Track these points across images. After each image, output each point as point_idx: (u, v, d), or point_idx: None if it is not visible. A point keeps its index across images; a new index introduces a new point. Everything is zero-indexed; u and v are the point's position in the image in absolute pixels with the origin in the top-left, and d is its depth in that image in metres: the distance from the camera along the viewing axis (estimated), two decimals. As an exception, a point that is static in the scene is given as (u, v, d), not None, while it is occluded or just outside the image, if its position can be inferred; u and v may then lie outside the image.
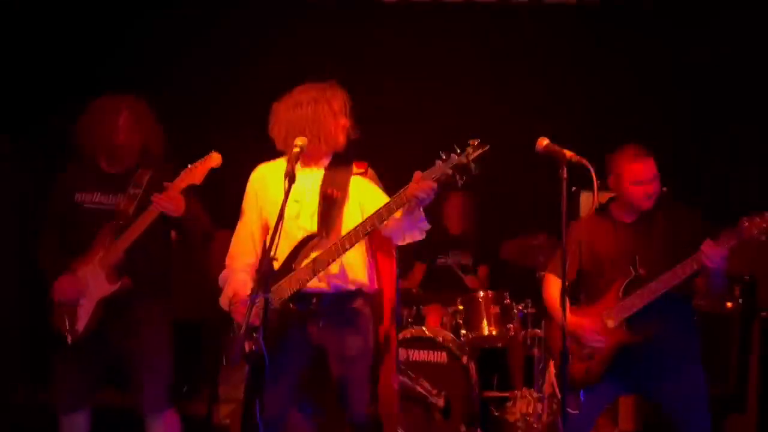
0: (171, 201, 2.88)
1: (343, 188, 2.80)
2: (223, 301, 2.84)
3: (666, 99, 4.80)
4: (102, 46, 4.83)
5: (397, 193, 2.58)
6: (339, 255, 2.65)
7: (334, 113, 2.78)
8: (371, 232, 2.66)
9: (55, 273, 3.02)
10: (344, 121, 2.81)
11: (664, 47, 4.79)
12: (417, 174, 2.54)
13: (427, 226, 2.72)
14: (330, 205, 2.76)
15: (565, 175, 2.47)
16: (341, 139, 2.82)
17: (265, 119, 2.88)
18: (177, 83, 4.89)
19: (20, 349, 4.45)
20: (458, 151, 2.50)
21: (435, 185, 2.51)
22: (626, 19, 4.85)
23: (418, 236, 2.74)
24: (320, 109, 2.76)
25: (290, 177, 2.55)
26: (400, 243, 2.81)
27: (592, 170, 2.45)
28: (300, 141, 2.68)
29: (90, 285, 2.96)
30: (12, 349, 4.39)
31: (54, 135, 3.20)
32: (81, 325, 2.95)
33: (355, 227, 2.65)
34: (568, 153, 2.49)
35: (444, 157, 2.50)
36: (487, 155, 2.49)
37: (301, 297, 2.71)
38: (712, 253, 2.74)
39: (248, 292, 2.69)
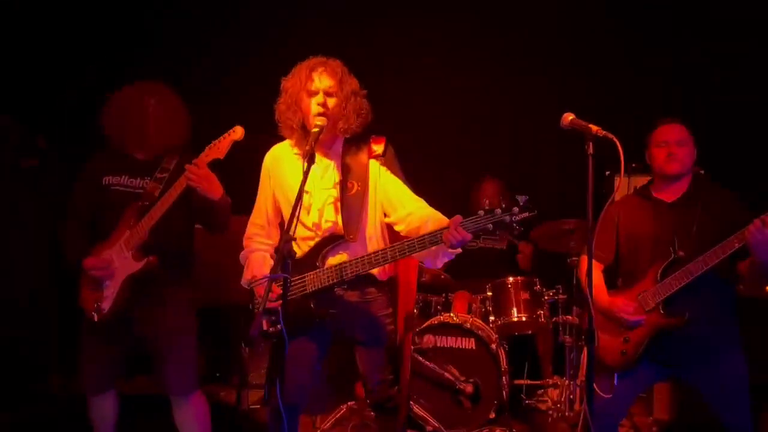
0: (201, 174, 2.85)
1: (363, 178, 2.73)
2: (244, 282, 2.85)
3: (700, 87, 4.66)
4: (127, 35, 4.89)
5: (433, 233, 2.49)
6: (367, 269, 2.61)
7: (308, 92, 2.69)
8: (406, 256, 2.57)
9: (79, 257, 3.03)
10: (320, 101, 2.67)
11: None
12: (457, 218, 2.44)
13: (458, 251, 2.61)
14: (351, 202, 2.70)
15: (591, 151, 2.38)
16: (315, 120, 2.66)
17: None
18: (199, 71, 4.93)
19: (51, 339, 4.53)
20: (503, 206, 2.39)
21: (470, 236, 2.42)
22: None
23: (448, 259, 2.67)
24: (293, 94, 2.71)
25: (310, 157, 2.51)
26: (430, 267, 2.74)
27: (618, 144, 2.36)
28: (320, 121, 2.65)
29: (116, 265, 2.98)
30: (43, 339, 4.46)
31: (89, 131, 3.22)
32: (107, 305, 2.97)
33: (390, 249, 2.56)
34: (594, 127, 2.41)
35: (487, 209, 2.39)
36: (534, 219, 2.39)
37: (321, 295, 2.67)
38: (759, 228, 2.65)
39: (266, 271, 2.68)
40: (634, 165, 4.14)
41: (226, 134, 2.92)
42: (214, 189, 2.92)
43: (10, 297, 4.17)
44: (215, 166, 2.92)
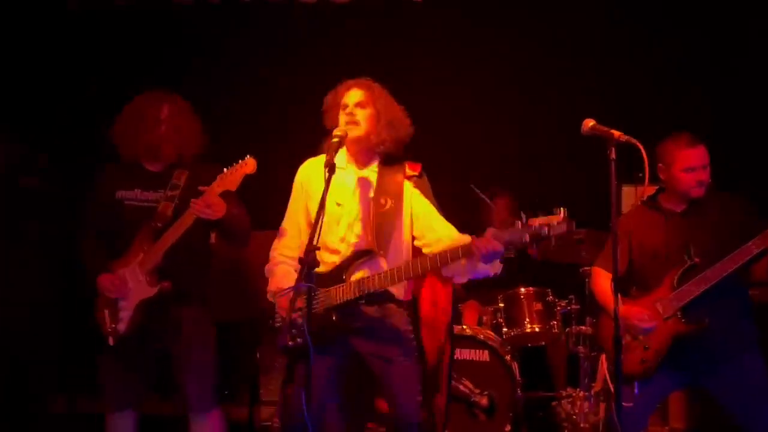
0: (209, 206, 2.84)
1: (397, 196, 2.73)
2: (269, 295, 2.83)
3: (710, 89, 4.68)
4: (138, 57, 4.89)
5: (463, 244, 2.49)
6: (390, 285, 2.61)
7: (341, 107, 2.74)
8: (427, 271, 2.57)
9: (97, 273, 3.02)
10: (348, 112, 2.71)
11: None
12: (490, 231, 2.44)
13: (488, 271, 2.59)
14: (384, 218, 2.70)
15: (613, 156, 2.39)
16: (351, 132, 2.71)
17: (306, 118, 2.91)
18: (216, 85, 4.91)
19: (58, 359, 4.49)
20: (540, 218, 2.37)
21: (502, 248, 2.41)
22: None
23: (480, 276, 2.66)
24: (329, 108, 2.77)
25: (330, 167, 2.53)
26: (460, 282, 2.74)
27: (642, 149, 2.37)
28: (339, 131, 2.66)
29: (130, 286, 2.97)
30: (50, 359, 4.43)
31: (91, 149, 3.21)
32: (122, 327, 2.97)
33: (412, 263, 2.56)
34: (616, 133, 2.42)
35: (524, 222, 2.38)
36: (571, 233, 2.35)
37: (344, 309, 2.66)
38: None
39: (290, 284, 2.65)
40: (641, 174, 4.14)
41: (237, 166, 2.87)
42: (217, 211, 2.88)
43: (13, 316, 4.12)
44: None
